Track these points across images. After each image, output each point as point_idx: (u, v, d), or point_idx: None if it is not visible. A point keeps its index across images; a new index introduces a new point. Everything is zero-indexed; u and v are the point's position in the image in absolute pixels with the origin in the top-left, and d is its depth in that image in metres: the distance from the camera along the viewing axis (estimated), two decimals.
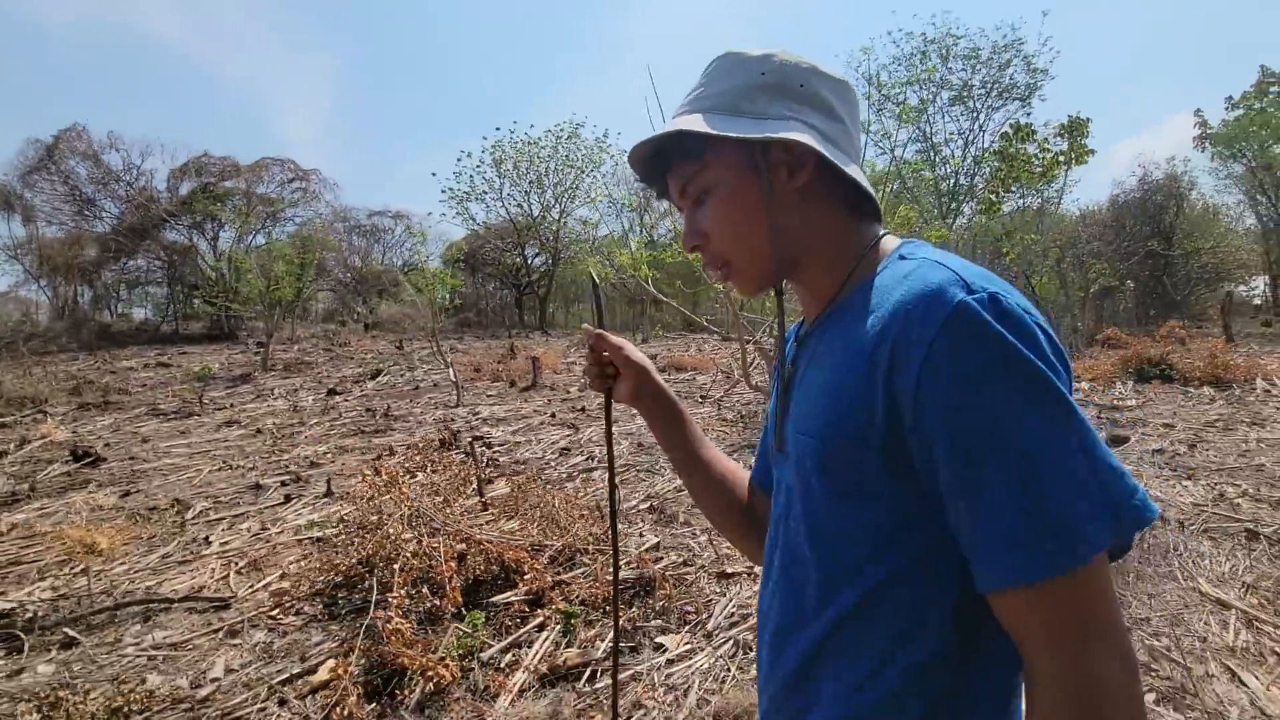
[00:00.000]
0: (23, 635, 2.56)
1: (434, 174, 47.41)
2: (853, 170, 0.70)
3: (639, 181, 0.82)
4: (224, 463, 6.11)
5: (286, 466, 5.95)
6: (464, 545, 2.55)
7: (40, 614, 2.72)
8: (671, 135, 0.71)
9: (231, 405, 9.76)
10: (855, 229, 0.73)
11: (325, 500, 4.82)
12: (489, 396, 9.98)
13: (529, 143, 23.80)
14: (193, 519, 4.49)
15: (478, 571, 2.49)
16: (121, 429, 8.24)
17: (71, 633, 2.59)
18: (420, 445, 6.12)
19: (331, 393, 10.60)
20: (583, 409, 8.51)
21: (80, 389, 10.35)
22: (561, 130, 23.58)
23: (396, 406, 9.15)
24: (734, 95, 0.71)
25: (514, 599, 2.44)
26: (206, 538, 4.02)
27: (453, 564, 2.40)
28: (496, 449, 6.36)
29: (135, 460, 6.43)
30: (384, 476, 3.03)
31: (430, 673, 1.92)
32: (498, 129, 27.60)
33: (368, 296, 23.91)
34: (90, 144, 17.34)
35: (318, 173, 21.23)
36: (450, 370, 9.80)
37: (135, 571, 3.54)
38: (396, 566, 2.38)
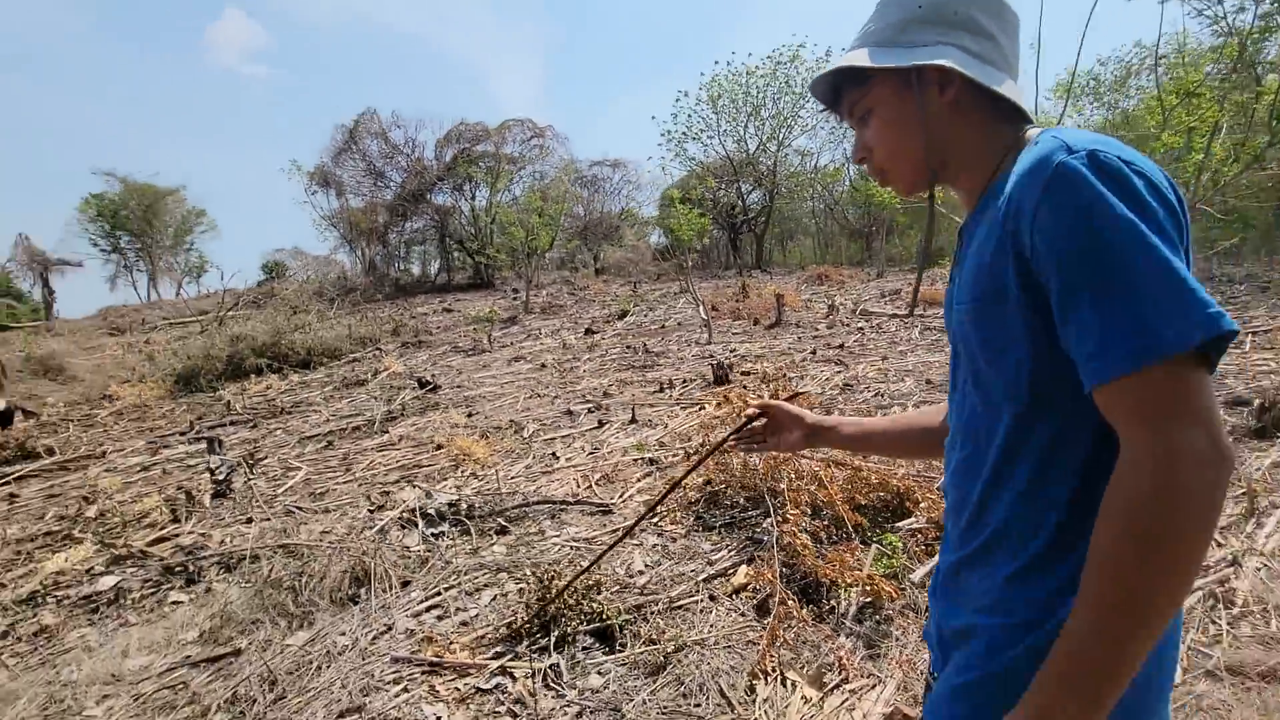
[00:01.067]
0: (467, 521, 3.19)
1: (653, 117, 48.07)
2: (1006, 87, 0.82)
3: (821, 108, 1.05)
4: (532, 391, 6.96)
5: (584, 396, 6.61)
6: (847, 471, 2.61)
7: (473, 506, 3.35)
8: (840, 68, 0.87)
9: (510, 343, 11.11)
10: (1003, 131, 0.84)
11: (633, 426, 5.27)
12: (735, 334, 10.12)
13: (747, 73, 22.94)
14: (529, 437, 5.19)
15: (867, 498, 2.53)
16: (437, 363, 9.84)
17: (502, 523, 3.15)
18: (758, 379, 6.36)
19: (588, 332, 11.56)
20: (840, 345, 8.23)
21: (398, 330, 12.53)
22: (781, 55, 22.33)
23: (652, 344, 9.68)
24: (893, 29, 0.85)
25: (915, 525, 2.44)
26: (554, 454, 4.61)
27: (836, 488, 2.44)
28: (774, 384, 6.40)
29: (461, 388, 7.63)
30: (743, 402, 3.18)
31: (867, 588, 1.99)
32: (715, 63, 26.97)
33: (593, 243, 25.39)
34: (380, 124, 20.46)
35: (551, 128, 22.70)
36: (700, 308, 10.04)
37: (511, 478, 4.18)
38: (783, 487, 2.49)
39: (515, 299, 17.87)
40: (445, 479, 4.29)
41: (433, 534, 3.02)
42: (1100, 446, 0.72)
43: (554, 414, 5.95)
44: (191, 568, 3.06)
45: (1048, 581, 0.74)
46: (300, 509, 3.94)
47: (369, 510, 3.43)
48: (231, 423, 7.04)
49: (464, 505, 3.25)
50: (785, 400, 1.24)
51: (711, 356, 8.35)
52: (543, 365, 8.74)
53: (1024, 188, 0.70)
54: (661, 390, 6.55)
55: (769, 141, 24.52)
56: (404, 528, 3.12)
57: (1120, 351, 0.63)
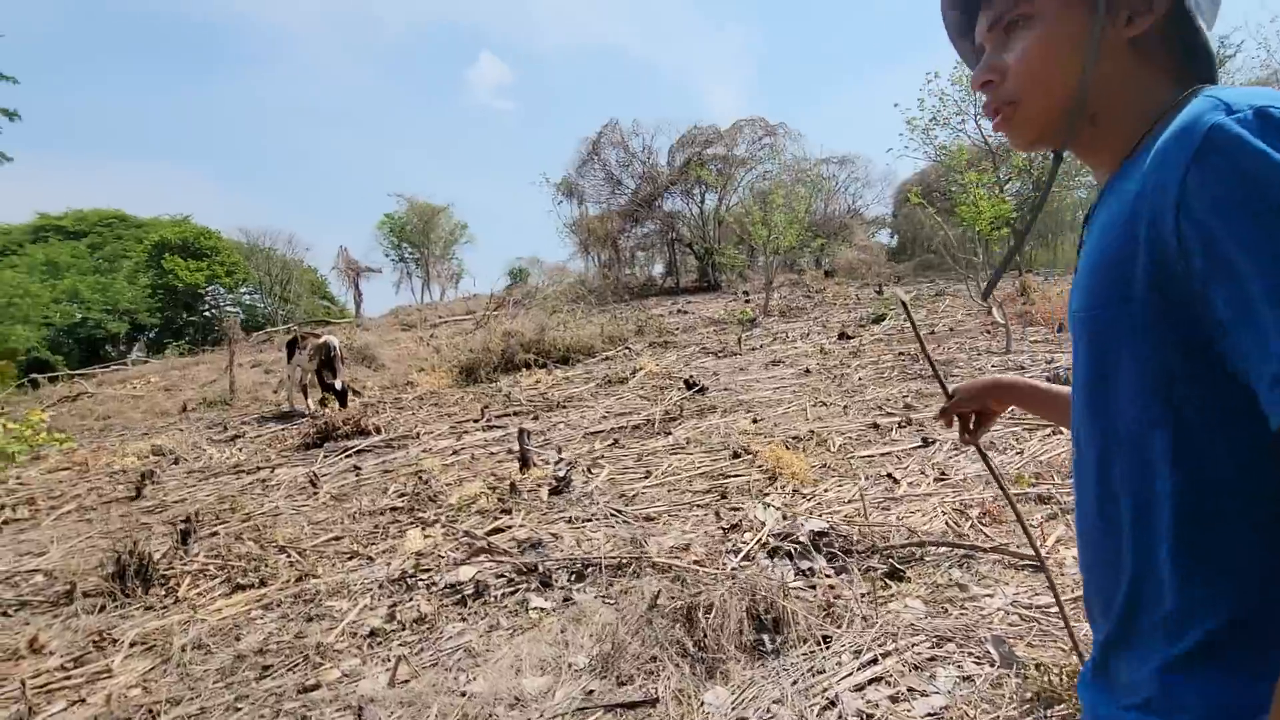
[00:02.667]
0: (844, 557, 2.63)
1: (895, 104, 44.61)
2: (1206, 24, 0.65)
3: (953, 36, 0.81)
4: (815, 399, 6.29)
5: (880, 407, 5.79)
6: None
7: (848, 539, 2.79)
8: None
9: (759, 346, 10.59)
10: (1174, 90, 0.65)
11: (961, 450, 4.34)
12: (1035, 342, 8.48)
13: None
14: (840, 452, 4.53)
15: None
16: (690, 363, 9.65)
17: (894, 565, 2.55)
18: None
19: (843, 336, 10.62)
20: None
21: (641, 330, 12.71)
22: None
23: (935, 352, 8.48)
24: None
25: None
26: (890, 475, 3.90)
27: None
28: None
29: (730, 391, 7.25)
30: None
31: None
32: None
33: (824, 243, 24.02)
34: (621, 133, 21.45)
35: (784, 125, 21.93)
36: (996, 311, 8.58)
37: (846, 501, 3.55)
38: None
39: (747, 300, 17.42)
40: (765, 494, 3.79)
41: (805, 569, 2.52)
42: None
43: (853, 426, 5.22)
44: (541, 569, 2.90)
45: (1225, 675, 0.57)
46: (620, 512, 3.70)
47: (721, 529, 3.06)
48: (515, 413, 7.41)
49: (835, 537, 2.70)
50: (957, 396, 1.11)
51: (1023, 369, 6.97)
52: (806, 370, 8.05)
53: (1165, 159, 0.55)
54: None
55: None
56: (771, 556, 2.67)
57: None
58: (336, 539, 3.92)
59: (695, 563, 2.61)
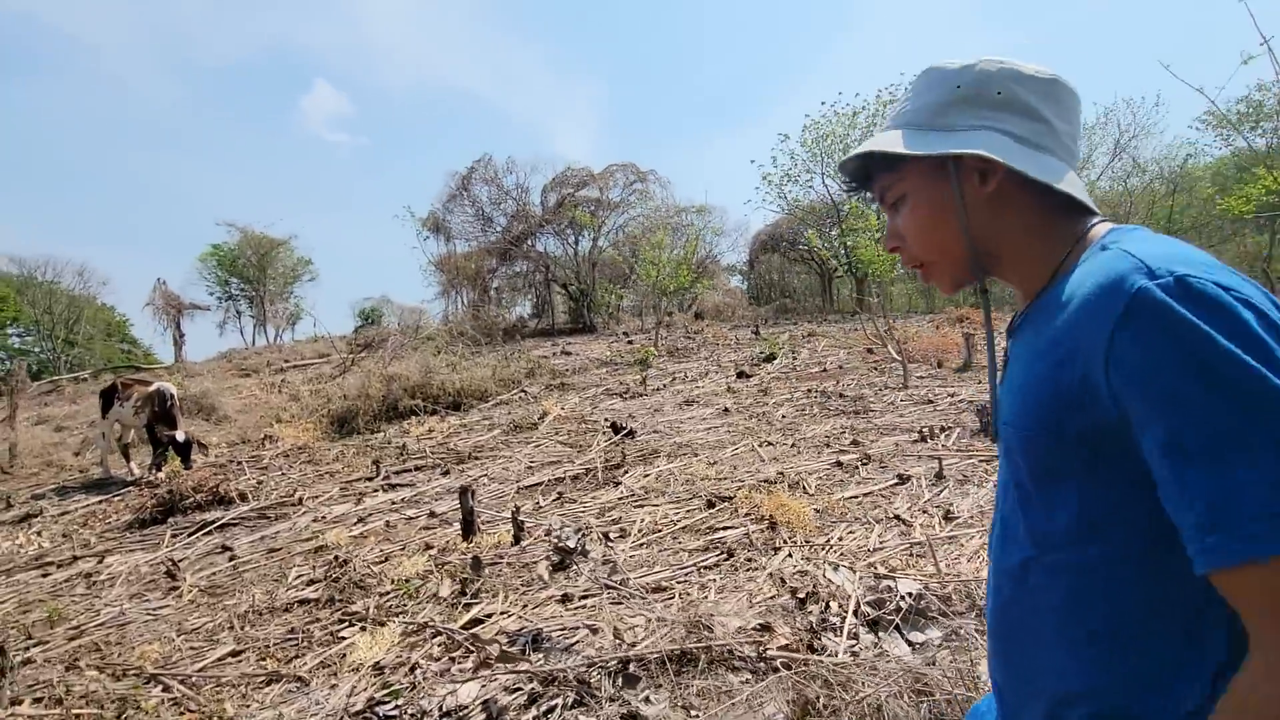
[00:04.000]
0: (950, 619, 2.26)
1: (752, 161, 48.02)
2: (1063, 179, 0.72)
3: (847, 187, 0.89)
4: (762, 440, 6.05)
5: (829, 445, 5.67)
6: None
7: (947, 601, 2.42)
8: (869, 152, 0.78)
9: (663, 386, 10.33)
10: (1060, 223, 0.74)
11: (940, 482, 4.27)
12: (923, 377, 9.04)
13: (853, 112, 22.36)
14: (814, 494, 4.26)
15: None
16: (596, 405, 9.11)
17: None
18: None
19: (741, 375, 10.69)
20: None
21: (532, 373, 11.96)
22: (891, 93, 21.66)
23: (833, 387, 8.70)
24: (928, 111, 0.76)
25: None
26: (898, 517, 3.66)
27: None
28: None
29: (659, 433, 6.81)
30: None
31: None
32: (823, 102, 26.61)
33: (708, 283, 24.82)
34: (495, 170, 20.70)
35: (654, 172, 22.52)
36: (891, 349, 9.04)
37: (875, 549, 3.24)
38: None
39: (629, 341, 17.28)
40: (775, 549, 3.38)
41: (920, 641, 2.11)
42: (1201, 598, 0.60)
43: (816, 466, 5.01)
44: (573, 674, 2.22)
45: None
46: (618, 585, 3.09)
47: (795, 599, 2.55)
48: (417, 467, 6.40)
49: (928, 599, 2.33)
50: None
51: (930, 403, 7.30)
52: (725, 409, 7.87)
53: (1092, 316, 0.60)
54: (923, 439, 5.53)
55: None
56: (874, 630, 2.23)
57: (1248, 531, 0.51)
58: (234, 654, 2.87)
59: (784, 647, 2.10)
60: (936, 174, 0.76)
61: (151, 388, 7.11)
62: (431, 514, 4.79)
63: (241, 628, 3.14)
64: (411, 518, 4.79)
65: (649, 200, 22.69)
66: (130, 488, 6.62)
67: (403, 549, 4.02)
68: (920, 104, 0.77)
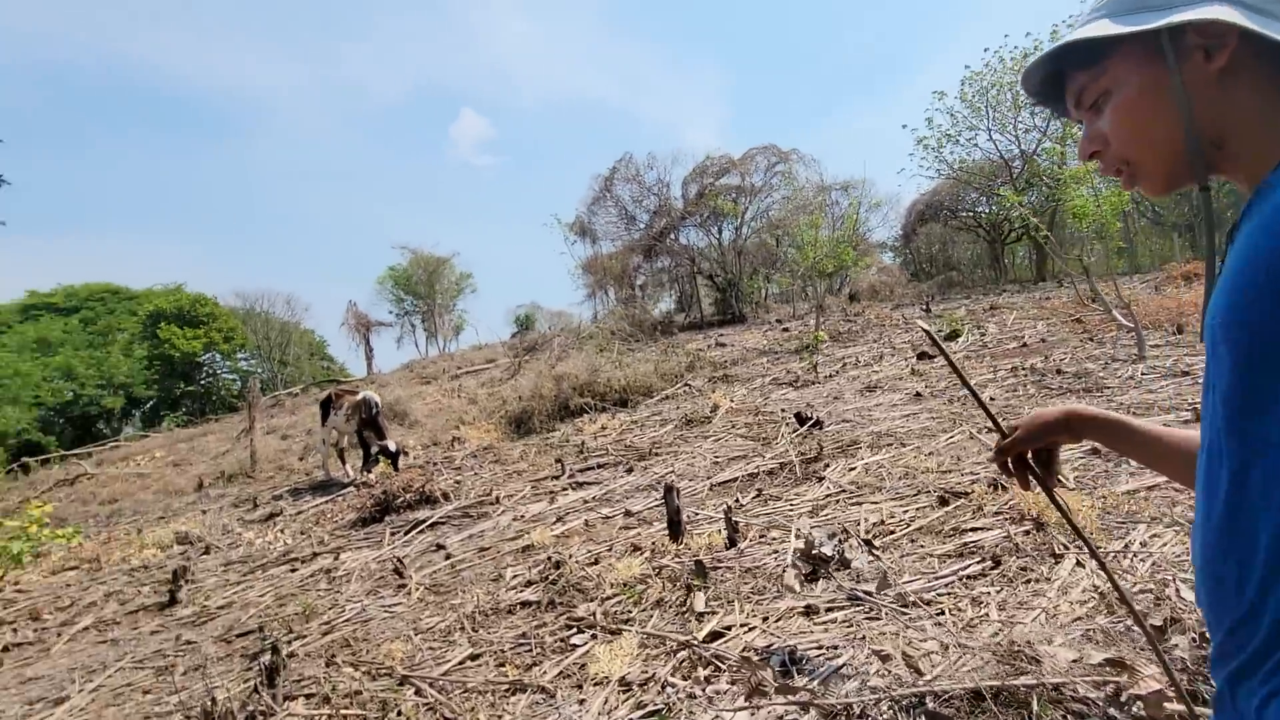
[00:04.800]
0: None
1: (904, 125, 44.56)
2: None
3: (1034, 103, 1.07)
4: (972, 425, 5.31)
5: None
6: None
7: None
8: (1066, 48, 0.70)
9: (835, 373, 9.65)
10: None
11: None
12: (1160, 346, 7.59)
13: (1023, 56, 19.77)
14: (1079, 488, 3.54)
15: None
16: (767, 396, 8.68)
17: None
18: None
19: (923, 356, 9.71)
20: None
21: (692, 366, 11.76)
22: (1071, 22, 18.82)
23: (1050, 364, 7.55)
24: None
25: None
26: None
27: None
28: None
29: (849, 423, 6.26)
30: None
31: None
32: (986, 49, 23.90)
33: (867, 261, 23.39)
34: (637, 167, 20.91)
35: (796, 152, 21.50)
36: (1119, 314, 7.71)
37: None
38: None
39: (784, 329, 16.58)
40: (1055, 556, 2.78)
41: None
42: None
43: (1065, 454, 4.23)
44: (860, 709, 1.86)
45: None
46: (864, 596, 2.67)
47: (1148, 627, 2.06)
48: (599, 465, 6.38)
49: None
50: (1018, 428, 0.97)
51: (1185, 375, 6.05)
52: (917, 394, 7.09)
53: None
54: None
55: (1051, 135, 20.80)
56: None
57: None
58: (473, 658, 2.85)
59: (1156, 693, 1.60)
60: (1149, 57, 0.67)
61: (358, 397, 7.76)
62: (627, 513, 4.66)
63: (472, 629, 3.14)
64: (608, 517, 4.69)
65: (792, 181, 21.69)
66: (349, 489, 7.26)
67: (609, 549, 3.89)
68: None
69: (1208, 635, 0.69)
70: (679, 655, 2.43)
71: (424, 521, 5.35)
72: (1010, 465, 0.98)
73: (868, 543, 2.89)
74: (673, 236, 21.93)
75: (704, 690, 2.19)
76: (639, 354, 12.46)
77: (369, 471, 7.39)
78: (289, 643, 3.33)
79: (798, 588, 2.68)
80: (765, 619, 2.64)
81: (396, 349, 41.22)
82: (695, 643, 2.46)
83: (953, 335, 10.84)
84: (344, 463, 7.94)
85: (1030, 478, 0.98)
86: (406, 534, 5.18)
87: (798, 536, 2.94)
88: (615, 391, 9.52)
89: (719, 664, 2.32)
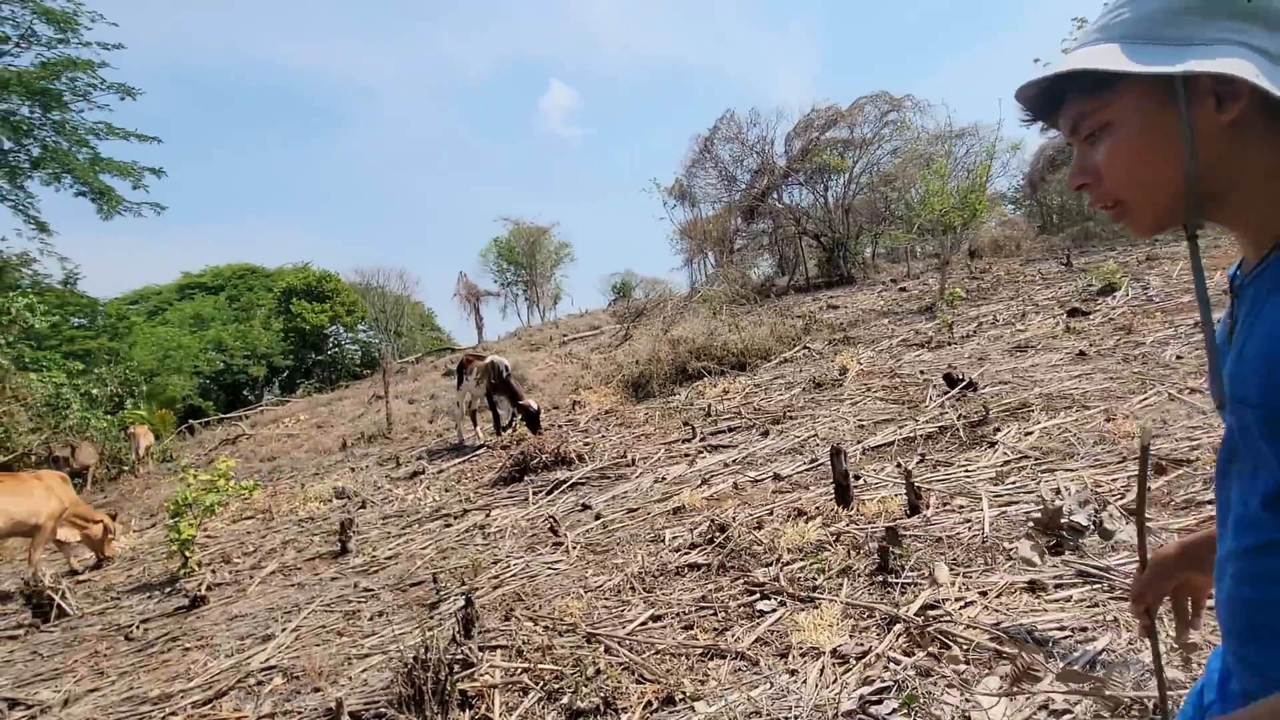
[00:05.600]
0: None
1: (1036, 59, 40.77)
2: None
3: (1024, 118, 0.76)
4: (1162, 382, 4.69)
5: None
6: None
7: None
8: (1072, 72, 0.65)
9: (974, 332, 8.94)
10: None
11: None
12: None
13: None
14: None
15: None
16: (900, 358, 8.17)
17: None
18: None
19: (1075, 312, 8.79)
20: None
21: (808, 329, 11.30)
22: None
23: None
24: (1152, 20, 0.62)
25: None
26: None
27: None
28: None
29: (1008, 385, 5.73)
30: None
31: None
32: None
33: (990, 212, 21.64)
34: (739, 125, 20.20)
35: (911, 98, 19.93)
36: None
37: None
38: None
39: (900, 289, 15.63)
40: None
41: None
42: None
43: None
44: (1150, 702, 1.60)
45: None
46: (1105, 571, 2.34)
47: None
48: (730, 429, 6.22)
49: None
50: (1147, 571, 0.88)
51: None
52: (1080, 353, 6.39)
53: None
54: None
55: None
56: None
57: None
58: (655, 619, 2.79)
59: None
60: (1160, 98, 0.62)
61: (485, 361, 7.99)
62: (776, 477, 4.48)
63: (645, 590, 3.08)
64: (756, 480, 4.53)
65: (905, 130, 20.19)
66: (481, 449, 7.52)
67: (770, 513, 3.73)
68: (1142, 11, 0.62)
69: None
70: (894, 629, 2.24)
71: (564, 482, 5.41)
72: (1143, 613, 0.89)
73: (1126, 511, 2.53)
74: (775, 196, 21.09)
75: (940, 668, 1.99)
76: (750, 317, 12.11)
77: (502, 434, 7.60)
78: (464, 595, 3.42)
79: (1037, 561, 2.40)
80: (983, 593, 2.39)
81: (501, 319, 42.78)
82: (907, 617, 2.25)
83: (1108, 289, 9.73)
84: (475, 425, 8.23)
85: (1147, 627, 0.89)
86: (549, 493, 5.27)
87: (1040, 501, 2.62)
88: (733, 355, 9.29)
89: (945, 640, 2.11)
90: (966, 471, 3.82)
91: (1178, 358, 5.67)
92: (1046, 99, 0.71)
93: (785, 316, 11.65)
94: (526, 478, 5.84)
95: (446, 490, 6.16)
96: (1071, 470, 3.52)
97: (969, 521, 3.05)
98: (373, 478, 7.28)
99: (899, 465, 4.18)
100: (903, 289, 15.54)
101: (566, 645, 2.63)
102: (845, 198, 20.16)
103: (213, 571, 4.94)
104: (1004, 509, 3.14)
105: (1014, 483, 3.50)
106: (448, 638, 2.72)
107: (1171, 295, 8.83)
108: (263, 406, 20.60)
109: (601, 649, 2.56)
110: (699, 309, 11.98)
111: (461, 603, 2.99)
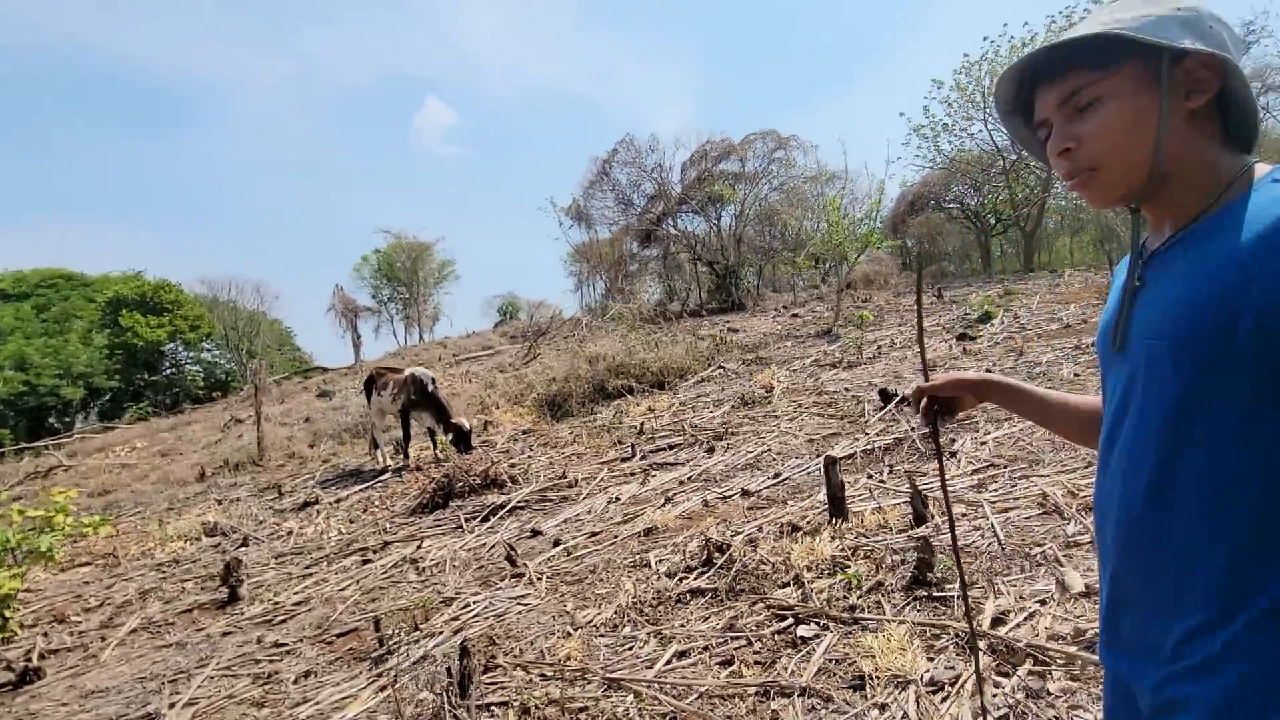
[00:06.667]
0: None
1: (901, 114, 44.18)
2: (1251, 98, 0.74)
3: (1001, 112, 0.88)
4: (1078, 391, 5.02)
5: None
6: None
7: None
8: (1069, 45, 0.74)
9: (878, 355, 9.38)
10: (1228, 157, 0.75)
11: None
12: None
13: (1022, 45, 19.87)
14: None
15: None
16: (818, 377, 8.35)
17: None
18: None
19: (963, 337, 9.52)
20: None
21: (719, 349, 11.38)
22: (1069, 18, 19.01)
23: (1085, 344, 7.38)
24: (1149, 22, 0.72)
25: None
26: None
27: None
28: None
29: None
30: None
31: None
32: (986, 38, 23.81)
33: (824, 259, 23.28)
34: (637, 150, 20.35)
35: (796, 138, 21.25)
36: None
37: None
38: None
39: (793, 315, 16.35)
40: None
41: None
42: None
43: None
44: None
45: None
46: None
47: None
48: (670, 446, 5.94)
49: None
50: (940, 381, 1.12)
51: None
52: (987, 370, 6.81)
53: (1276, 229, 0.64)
54: None
55: None
56: None
57: None
58: (680, 655, 2.39)
59: None
60: (1146, 79, 0.73)
61: (404, 374, 7.17)
62: (745, 492, 4.24)
63: (649, 622, 2.68)
64: (724, 496, 4.26)
65: (791, 168, 21.47)
66: (387, 474, 6.67)
67: (760, 530, 3.46)
68: (1137, 14, 0.72)
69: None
70: (978, 648, 2.03)
71: (501, 506, 4.83)
72: (923, 404, 1.13)
73: None
74: (670, 222, 21.48)
75: (1048, 687, 1.79)
76: (664, 336, 12.01)
77: (408, 456, 6.80)
78: (417, 642, 2.82)
79: (1083, 586, 2.30)
80: (1041, 602, 2.25)
81: (375, 338, 39.91)
82: (990, 634, 2.05)
83: (986, 317, 10.68)
84: (377, 447, 7.33)
85: (928, 417, 1.14)
86: (484, 520, 4.67)
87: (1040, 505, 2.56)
88: (651, 373, 9.08)
89: (1038, 657, 1.92)
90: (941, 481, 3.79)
91: (1075, 375, 6.19)
92: (1022, 84, 0.83)
93: (695, 336, 11.66)
94: (452, 503, 5.18)
95: (352, 521, 5.32)
96: (1046, 475, 3.59)
97: (979, 529, 2.96)
98: (251, 510, 6.18)
99: (870, 476, 4.11)
100: (795, 315, 16.26)
101: (584, 696, 2.17)
102: (736, 228, 20.95)
103: (44, 635, 3.83)
104: (1005, 514, 3.10)
105: (998, 489, 3.51)
106: (432, 701, 2.15)
107: (1043, 323, 9.82)
108: (79, 434, 17.45)
109: (631, 697, 2.13)
110: (611, 327, 11.71)
111: (433, 653, 2.42)
